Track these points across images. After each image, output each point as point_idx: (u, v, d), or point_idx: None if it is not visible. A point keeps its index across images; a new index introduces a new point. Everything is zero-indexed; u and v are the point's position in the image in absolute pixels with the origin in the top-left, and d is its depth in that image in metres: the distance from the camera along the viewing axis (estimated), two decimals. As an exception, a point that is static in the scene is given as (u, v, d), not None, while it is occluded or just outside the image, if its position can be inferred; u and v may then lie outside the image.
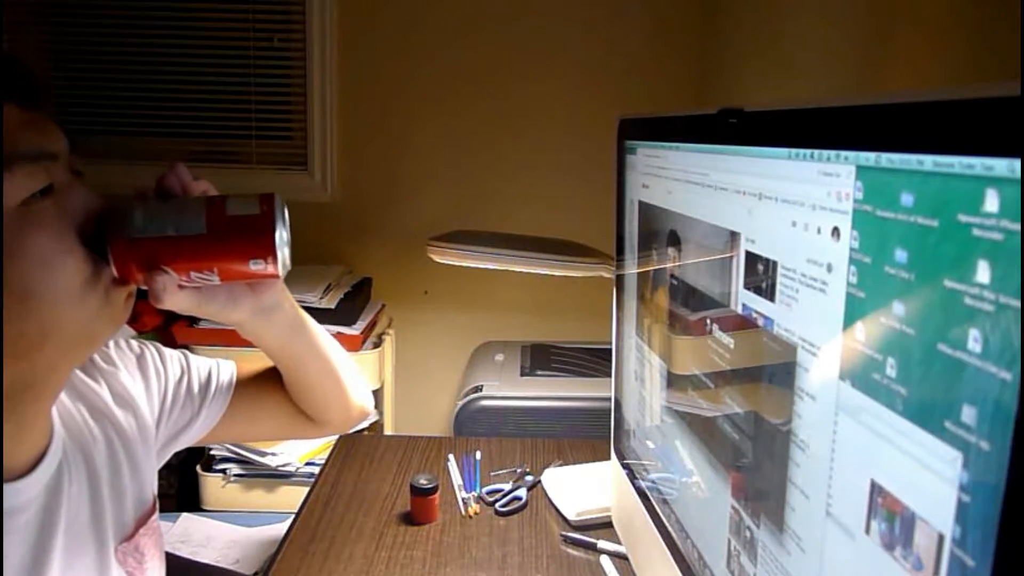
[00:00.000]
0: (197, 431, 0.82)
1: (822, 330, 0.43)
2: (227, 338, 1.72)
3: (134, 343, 0.79)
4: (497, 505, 1.10)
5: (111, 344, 0.76)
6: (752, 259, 0.52)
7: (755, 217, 0.51)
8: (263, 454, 1.70)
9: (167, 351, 0.82)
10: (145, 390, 0.76)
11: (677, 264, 0.69)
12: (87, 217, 0.56)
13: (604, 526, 1.03)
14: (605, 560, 0.96)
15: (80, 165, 0.58)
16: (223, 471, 1.75)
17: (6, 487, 0.56)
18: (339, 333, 1.75)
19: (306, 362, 0.81)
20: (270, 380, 0.86)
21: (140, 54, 2.03)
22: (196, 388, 0.81)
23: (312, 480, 1.19)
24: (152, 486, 0.74)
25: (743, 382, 0.55)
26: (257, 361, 0.86)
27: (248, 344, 0.75)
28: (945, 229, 0.32)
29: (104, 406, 0.70)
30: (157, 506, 0.74)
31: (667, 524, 0.74)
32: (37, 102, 0.56)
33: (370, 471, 1.20)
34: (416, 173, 2.07)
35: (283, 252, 0.60)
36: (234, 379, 0.85)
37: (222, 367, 0.85)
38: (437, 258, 1.17)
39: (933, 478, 0.33)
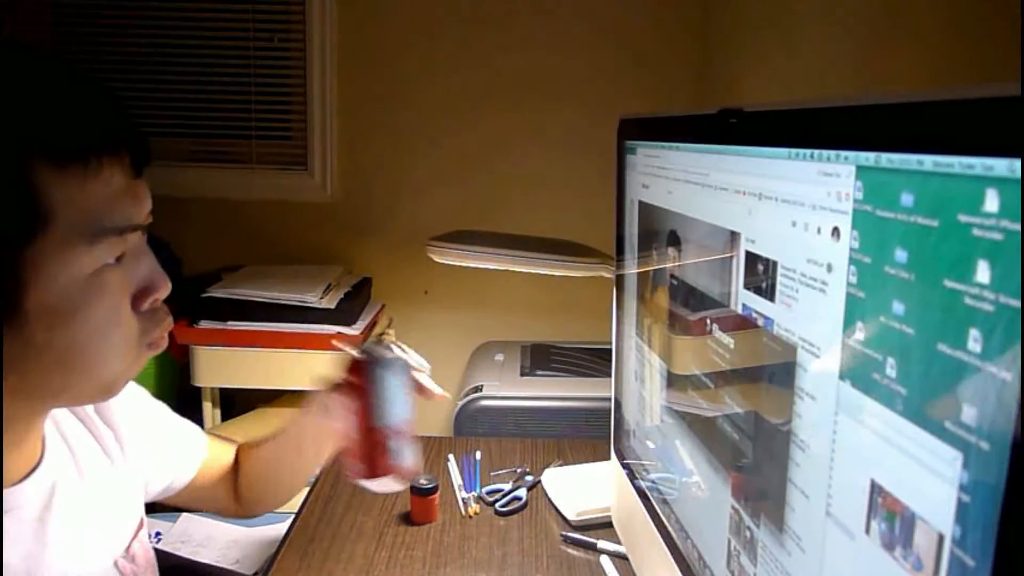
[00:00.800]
0: (150, 490, 0.83)
1: (822, 330, 0.43)
2: (227, 338, 1.72)
3: None
4: (497, 505, 1.10)
5: None
6: (752, 259, 0.52)
7: (755, 217, 0.51)
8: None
9: (155, 403, 0.85)
10: (131, 415, 0.77)
11: (677, 264, 0.69)
12: (144, 285, 0.57)
13: (604, 526, 1.03)
14: (605, 560, 0.96)
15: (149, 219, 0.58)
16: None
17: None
18: (339, 333, 1.75)
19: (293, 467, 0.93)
20: (223, 468, 0.91)
21: (140, 54, 2.03)
22: (171, 454, 0.84)
23: (312, 480, 1.19)
24: (139, 502, 0.76)
25: (743, 382, 0.55)
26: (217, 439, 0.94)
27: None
28: (945, 229, 0.32)
29: (86, 416, 0.71)
30: (144, 522, 0.75)
31: (667, 524, 0.74)
32: (142, 169, 0.55)
33: (370, 471, 1.20)
34: (416, 173, 2.07)
35: None
36: (198, 467, 0.88)
37: (194, 452, 0.88)
38: (437, 258, 1.17)
39: (933, 478, 0.33)
